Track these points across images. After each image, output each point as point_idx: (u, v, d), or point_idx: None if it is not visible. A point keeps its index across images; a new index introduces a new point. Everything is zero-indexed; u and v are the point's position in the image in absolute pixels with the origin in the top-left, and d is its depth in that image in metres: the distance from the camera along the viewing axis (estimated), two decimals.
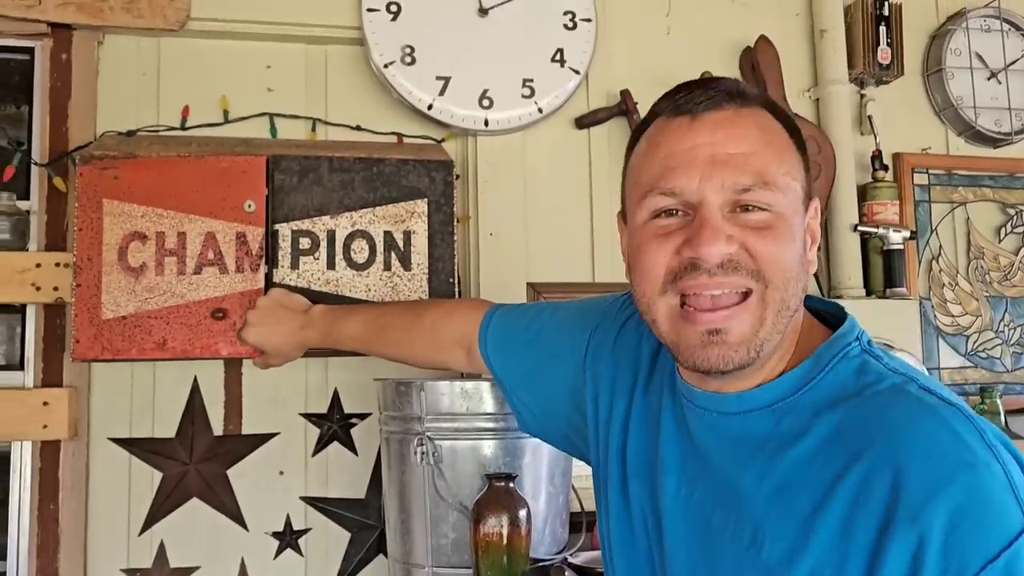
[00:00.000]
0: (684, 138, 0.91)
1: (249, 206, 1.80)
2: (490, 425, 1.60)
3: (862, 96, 2.37)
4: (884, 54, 2.33)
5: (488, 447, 1.59)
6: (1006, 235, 2.47)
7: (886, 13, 2.35)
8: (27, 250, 1.93)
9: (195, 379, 2.02)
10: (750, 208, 0.89)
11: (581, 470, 2.07)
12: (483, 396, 1.59)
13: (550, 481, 1.65)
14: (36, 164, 1.93)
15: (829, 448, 0.86)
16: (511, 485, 1.50)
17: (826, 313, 1.01)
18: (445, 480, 1.58)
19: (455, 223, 1.96)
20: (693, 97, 0.93)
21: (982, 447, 0.79)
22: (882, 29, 2.34)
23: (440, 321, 1.49)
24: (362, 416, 2.07)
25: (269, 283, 1.81)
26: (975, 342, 2.41)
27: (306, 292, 1.80)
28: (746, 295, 0.89)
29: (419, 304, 1.73)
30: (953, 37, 2.45)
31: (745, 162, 0.89)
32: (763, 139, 0.91)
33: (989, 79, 2.47)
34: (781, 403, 0.92)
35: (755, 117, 0.93)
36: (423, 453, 1.58)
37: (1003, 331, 2.43)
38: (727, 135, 0.90)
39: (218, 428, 2.02)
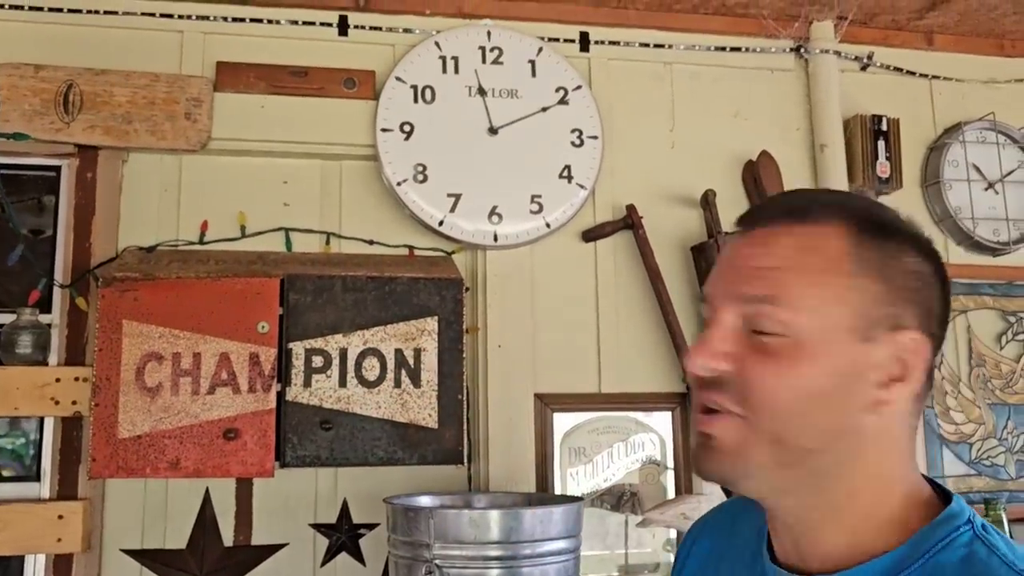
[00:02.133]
0: (729, 249, 0.88)
1: (263, 327, 1.86)
2: (497, 553, 1.62)
3: None
4: (883, 167, 2.39)
5: (495, 574, 1.61)
6: (1007, 342, 2.50)
7: (884, 128, 2.42)
8: (47, 363, 1.99)
9: (207, 490, 2.05)
10: (765, 326, 0.81)
11: None
12: (490, 525, 1.62)
13: None
14: (59, 285, 1.99)
15: None
16: None
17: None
18: None
19: (464, 338, 2.01)
20: (759, 210, 0.90)
21: None
22: (880, 143, 2.41)
23: None
24: (370, 527, 2.09)
25: (281, 401, 1.86)
26: (978, 450, 2.43)
27: (317, 410, 1.85)
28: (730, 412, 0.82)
29: None
30: (950, 150, 2.51)
31: (763, 274, 0.82)
32: (800, 257, 0.82)
33: (986, 190, 2.52)
34: None
35: (809, 235, 0.83)
36: None
37: (1006, 439, 2.45)
38: (763, 250, 0.83)
39: (228, 539, 2.05)
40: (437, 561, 1.61)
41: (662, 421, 2.24)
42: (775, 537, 0.88)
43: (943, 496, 0.84)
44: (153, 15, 2.16)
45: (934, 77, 2.57)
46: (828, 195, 0.91)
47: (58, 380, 1.94)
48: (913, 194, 2.52)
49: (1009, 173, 2.54)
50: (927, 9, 2.45)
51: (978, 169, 2.54)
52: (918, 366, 0.81)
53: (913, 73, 2.56)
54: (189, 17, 2.18)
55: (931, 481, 0.87)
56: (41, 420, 2.00)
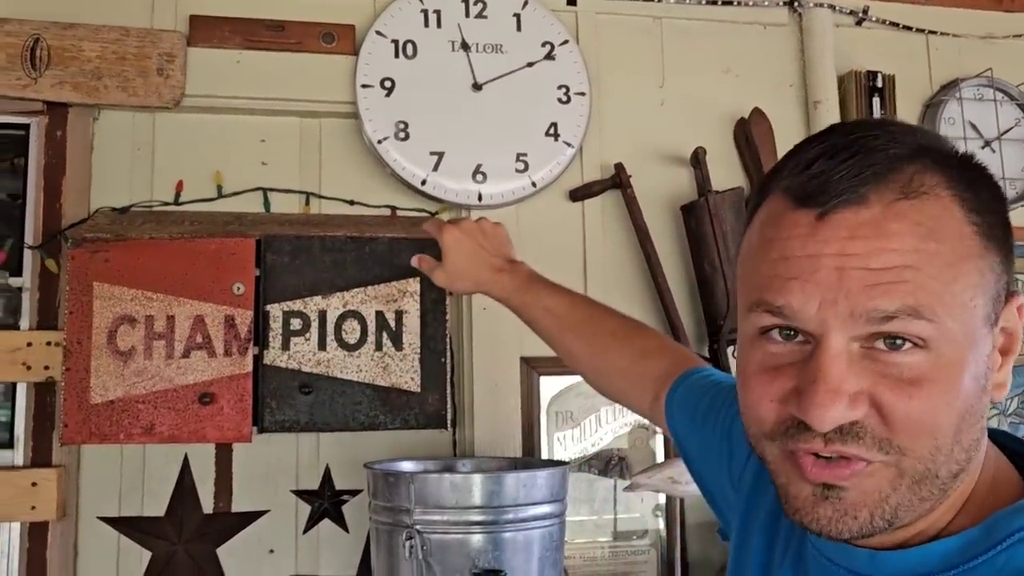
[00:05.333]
0: (806, 243, 0.66)
1: (238, 288, 1.80)
2: (479, 517, 1.58)
3: None
4: None
5: (477, 540, 1.58)
6: None
7: (879, 84, 2.36)
8: (18, 327, 1.93)
9: (185, 456, 2.00)
10: (897, 342, 0.64)
11: (573, 551, 2.06)
12: (472, 488, 1.58)
13: (540, 573, 1.63)
14: (29, 247, 1.93)
15: None
16: None
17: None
18: (434, 573, 1.56)
19: (447, 300, 1.96)
20: (831, 180, 0.66)
21: None
22: (875, 100, 2.35)
23: (651, 350, 1.28)
24: (353, 493, 2.05)
25: (258, 364, 1.80)
26: None
27: (296, 373, 1.80)
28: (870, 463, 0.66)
29: (636, 322, 1.40)
30: (947, 107, 2.45)
31: (892, 281, 0.63)
32: (927, 244, 0.64)
33: (983, 148, 2.47)
34: None
35: (920, 209, 0.65)
36: (412, 547, 1.56)
37: (1001, 402, 2.42)
38: (869, 245, 0.64)
39: (208, 506, 2.01)
40: (418, 527, 1.57)
41: None
42: None
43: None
44: None
45: (931, 32, 2.50)
46: (901, 145, 0.67)
47: (29, 344, 1.88)
48: None
49: (1007, 131, 2.48)
50: None
51: (975, 127, 2.48)
52: (1019, 331, 0.69)
53: (909, 28, 2.49)
54: None
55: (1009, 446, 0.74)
56: (13, 386, 1.95)
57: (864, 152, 0.66)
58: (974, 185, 0.68)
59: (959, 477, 0.67)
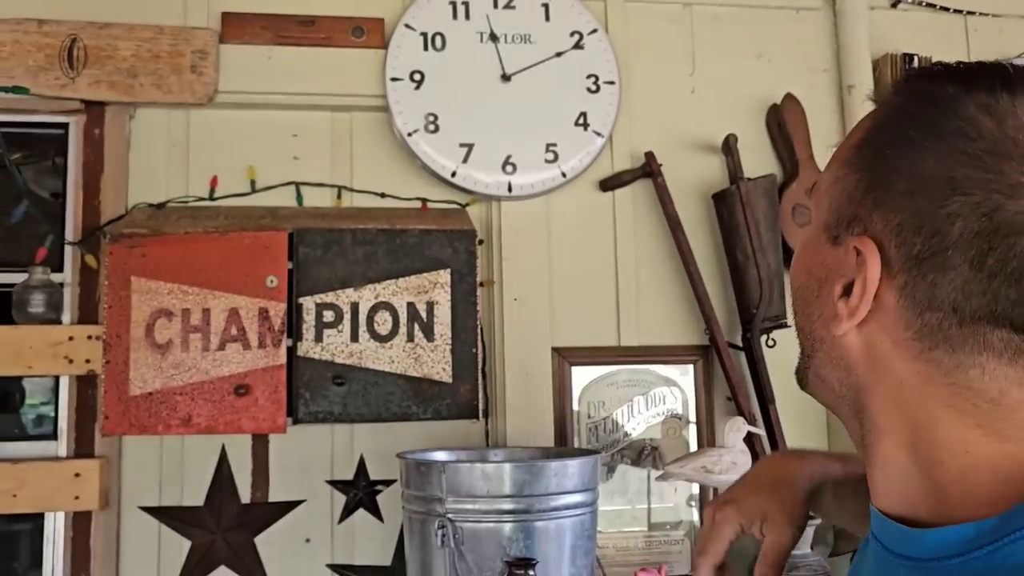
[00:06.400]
0: None
1: (271, 281, 1.83)
2: (510, 506, 1.59)
3: None
4: None
5: (508, 529, 1.59)
6: None
7: (917, 67, 2.31)
8: (60, 322, 1.98)
9: (223, 447, 2.03)
10: None
11: (607, 540, 2.06)
12: (503, 478, 1.59)
13: (572, 562, 1.64)
14: (69, 243, 1.97)
15: None
16: (531, 573, 1.49)
17: None
18: (467, 562, 1.57)
19: (478, 291, 1.97)
20: None
21: None
22: None
23: None
24: (387, 483, 2.07)
25: (292, 356, 1.83)
26: None
27: (329, 365, 1.82)
28: None
29: None
30: None
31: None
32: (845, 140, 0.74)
33: None
34: (935, 562, 0.63)
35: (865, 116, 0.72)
36: (444, 536, 1.57)
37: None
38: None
39: (246, 496, 2.04)
40: (450, 515, 1.58)
41: (683, 374, 2.19)
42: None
43: None
44: None
45: (969, 13, 2.45)
46: (917, 71, 0.68)
47: (71, 339, 1.93)
48: None
49: None
50: None
51: None
52: (863, 281, 0.64)
53: (947, 9, 2.44)
54: None
55: None
56: (56, 379, 2.00)
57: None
58: (896, 128, 0.65)
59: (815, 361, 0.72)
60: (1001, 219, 0.57)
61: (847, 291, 0.65)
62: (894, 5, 2.41)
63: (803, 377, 0.74)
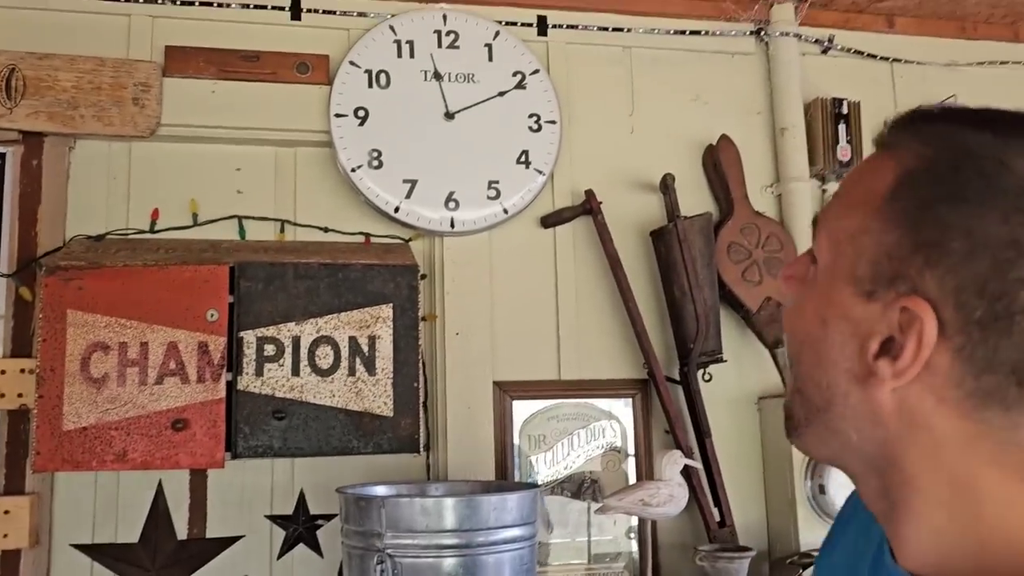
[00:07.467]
0: None
1: (212, 315, 1.82)
2: (450, 541, 1.60)
3: (823, 192, 2.43)
4: (844, 151, 2.38)
5: (448, 564, 1.59)
6: None
7: (845, 111, 2.41)
8: None
9: (160, 483, 2.01)
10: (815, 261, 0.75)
11: (549, 574, 2.07)
12: (443, 512, 1.60)
13: None
14: (3, 275, 1.94)
15: None
16: None
17: None
18: None
19: (420, 326, 1.98)
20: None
21: None
22: (841, 127, 2.40)
23: None
24: (328, 518, 2.06)
25: (232, 390, 1.82)
26: None
27: (270, 399, 1.81)
28: None
29: None
30: None
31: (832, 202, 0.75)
32: (850, 185, 0.73)
33: None
34: None
35: (872, 162, 0.71)
36: (383, 571, 1.57)
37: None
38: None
39: (182, 532, 2.01)
40: (389, 551, 1.58)
41: (622, 408, 2.22)
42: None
43: None
44: None
45: (895, 60, 2.56)
46: (932, 115, 0.67)
47: (3, 372, 1.89)
48: None
49: None
50: None
51: None
52: (916, 343, 0.61)
53: (874, 56, 2.55)
54: (136, 0, 2.12)
55: None
56: None
57: (912, 111, 0.69)
58: (936, 181, 0.65)
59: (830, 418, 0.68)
60: None
61: (884, 348, 0.63)
62: (824, 52, 2.51)
63: (798, 428, 0.71)
